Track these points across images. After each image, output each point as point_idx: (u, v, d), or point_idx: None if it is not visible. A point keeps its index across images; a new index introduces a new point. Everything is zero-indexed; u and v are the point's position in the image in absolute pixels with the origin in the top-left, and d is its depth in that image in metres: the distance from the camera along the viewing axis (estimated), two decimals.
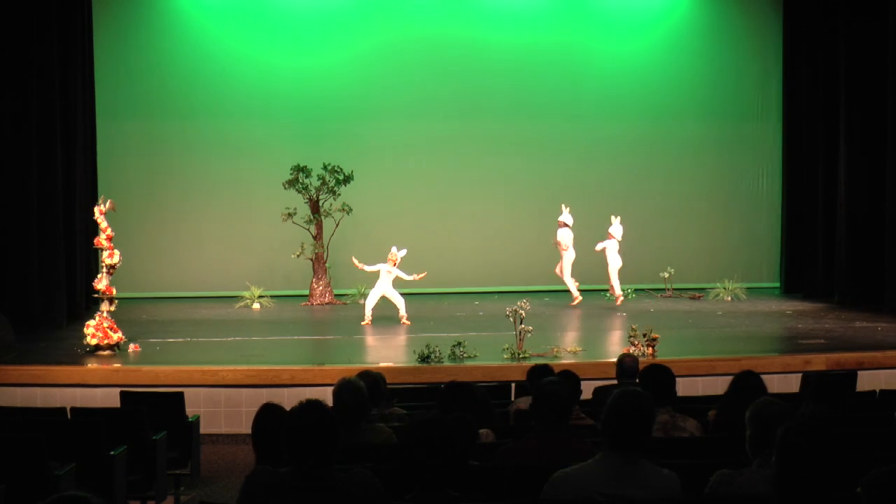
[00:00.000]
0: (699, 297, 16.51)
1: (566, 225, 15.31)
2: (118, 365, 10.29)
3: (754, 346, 11.83)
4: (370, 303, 13.47)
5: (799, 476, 3.80)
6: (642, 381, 5.74)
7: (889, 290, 14.11)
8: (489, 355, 10.58)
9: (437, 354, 10.20)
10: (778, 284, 17.71)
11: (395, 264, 13.48)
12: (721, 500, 4.20)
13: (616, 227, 15.55)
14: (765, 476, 4.07)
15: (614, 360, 7.47)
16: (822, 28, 16.11)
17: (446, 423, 3.89)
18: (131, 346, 11.09)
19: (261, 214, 16.72)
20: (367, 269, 13.63)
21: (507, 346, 10.59)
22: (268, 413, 4.89)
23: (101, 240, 10.96)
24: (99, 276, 11.13)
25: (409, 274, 13.56)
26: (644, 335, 10.30)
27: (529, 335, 10.60)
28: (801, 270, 16.89)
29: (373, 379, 6.22)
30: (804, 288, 16.62)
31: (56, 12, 13.66)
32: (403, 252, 13.66)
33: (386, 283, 13.48)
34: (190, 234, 17.14)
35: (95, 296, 11.21)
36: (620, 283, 15.49)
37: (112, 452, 6.51)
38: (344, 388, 5.34)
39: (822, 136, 16.19)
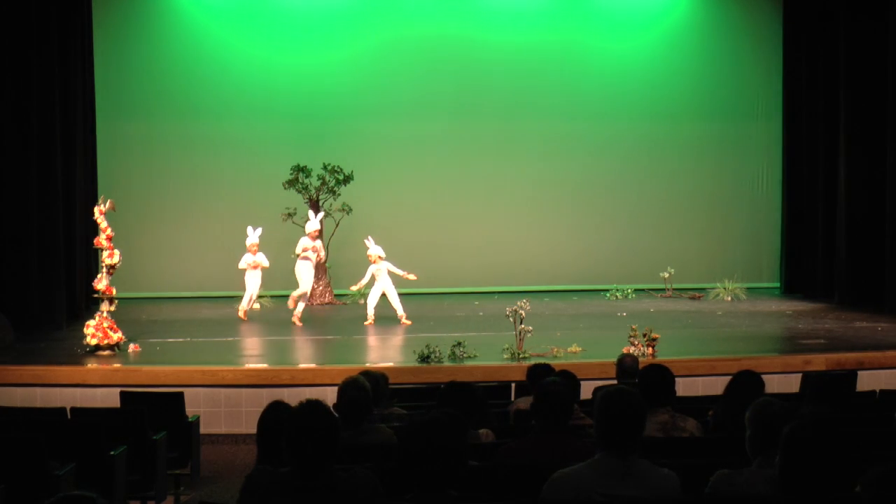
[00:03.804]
0: (699, 297, 16.50)
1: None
2: (118, 365, 10.28)
3: (754, 346, 11.82)
4: (371, 302, 13.47)
5: (804, 475, 3.80)
6: (641, 381, 5.73)
7: (889, 290, 14.10)
8: (489, 355, 10.56)
9: (437, 354, 10.19)
10: (778, 284, 17.70)
11: (374, 262, 13.39)
12: (721, 500, 4.20)
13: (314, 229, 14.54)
14: (765, 476, 4.07)
15: (614, 360, 7.46)
16: (822, 28, 16.10)
17: (446, 424, 3.89)
18: (131, 346, 11.08)
19: (261, 214, 16.69)
20: (365, 280, 13.64)
21: (507, 346, 10.58)
22: (275, 411, 4.89)
23: (101, 240, 10.96)
24: (99, 276, 11.12)
25: (402, 269, 13.49)
26: (644, 335, 10.30)
27: (529, 335, 10.59)
28: (801, 271, 16.89)
29: (374, 379, 6.22)
30: (804, 288, 16.62)
31: (56, 12, 13.65)
32: (378, 249, 13.41)
33: (384, 280, 13.45)
34: (190, 234, 17.13)
35: (95, 296, 11.20)
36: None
37: (112, 452, 6.50)
38: (350, 386, 5.38)
39: (822, 135, 16.18)
